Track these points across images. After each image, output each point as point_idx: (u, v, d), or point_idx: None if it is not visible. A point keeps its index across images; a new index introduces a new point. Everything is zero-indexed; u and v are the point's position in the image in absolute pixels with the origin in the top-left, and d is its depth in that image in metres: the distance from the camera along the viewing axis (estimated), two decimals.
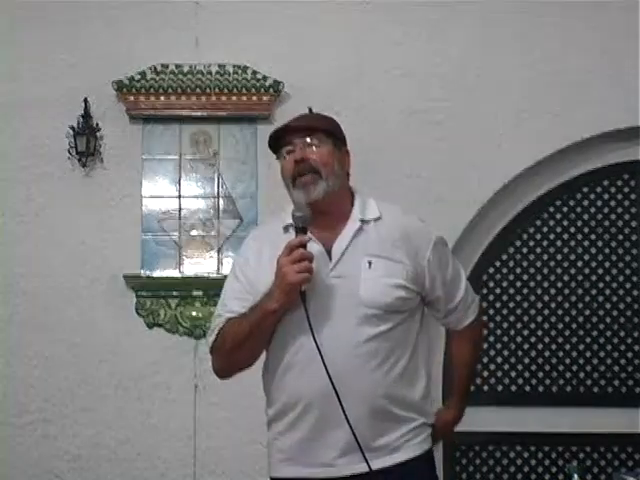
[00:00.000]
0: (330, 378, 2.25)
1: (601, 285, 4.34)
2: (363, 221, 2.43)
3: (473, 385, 4.28)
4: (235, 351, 2.37)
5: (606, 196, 4.37)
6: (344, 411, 2.26)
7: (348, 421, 2.27)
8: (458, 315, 2.58)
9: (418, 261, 2.42)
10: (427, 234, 2.48)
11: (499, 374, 4.31)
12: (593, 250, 4.35)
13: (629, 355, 4.33)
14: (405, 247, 2.41)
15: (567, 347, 4.32)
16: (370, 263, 2.36)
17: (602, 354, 4.32)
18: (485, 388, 4.31)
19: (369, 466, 2.29)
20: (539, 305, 4.33)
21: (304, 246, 2.29)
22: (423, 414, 2.43)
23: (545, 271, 4.34)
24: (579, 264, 4.34)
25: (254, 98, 4.12)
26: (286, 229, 2.44)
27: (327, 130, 2.45)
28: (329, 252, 2.39)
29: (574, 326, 4.33)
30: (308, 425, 2.34)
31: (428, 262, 2.44)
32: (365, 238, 2.41)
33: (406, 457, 2.36)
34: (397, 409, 2.36)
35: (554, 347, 4.32)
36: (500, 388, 4.32)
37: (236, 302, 2.41)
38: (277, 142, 2.46)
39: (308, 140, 2.41)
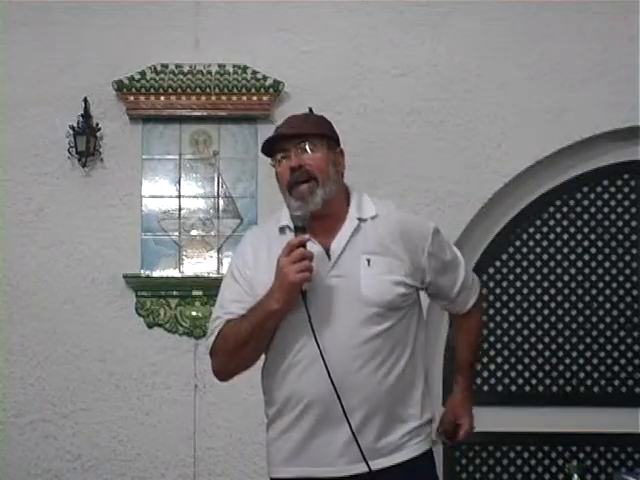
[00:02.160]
0: (331, 378, 2.25)
1: (601, 285, 4.34)
2: (360, 220, 2.43)
3: (473, 385, 4.28)
4: (236, 352, 2.37)
5: (606, 196, 4.37)
6: (344, 411, 2.26)
7: (348, 421, 2.27)
8: (462, 297, 2.57)
9: (418, 255, 2.42)
10: (425, 227, 2.48)
11: (499, 374, 4.31)
12: (593, 250, 4.35)
13: (629, 355, 4.33)
14: (403, 242, 2.41)
15: (567, 347, 4.32)
16: (369, 261, 2.36)
17: (602, 354, 4.32)
18: (485, 388, 4.31)
19: (369, 467, 2.29)
20: (539, 305, 4.33)
21: (304, 245, 2.29)
22: (424, 411, 2.43)
23: (545, 271, 4.34)
24: (579, 264, 4.34)
25: (254, 98, 4.12)
26: (282, 230, 2.44)
27: (320, 134, 2.44)
28: (327, 251, 2.39)
29: (574, 326, 4.33)
30: (309, 425, 2.34)
31: (429, 254, 2.44)
32: (363, 236, 2.40)
33: (406, 457, 2.37)
34: (399, 408, 2.37)
35: (554, 347, 4.32)
36: (500, 388, 4.32)
37: (235, 304, 2.40)
38: (270, 147, 2.45)
39: (302, 146, 2.40)
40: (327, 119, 2.52)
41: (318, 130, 2.44)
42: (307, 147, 2.40)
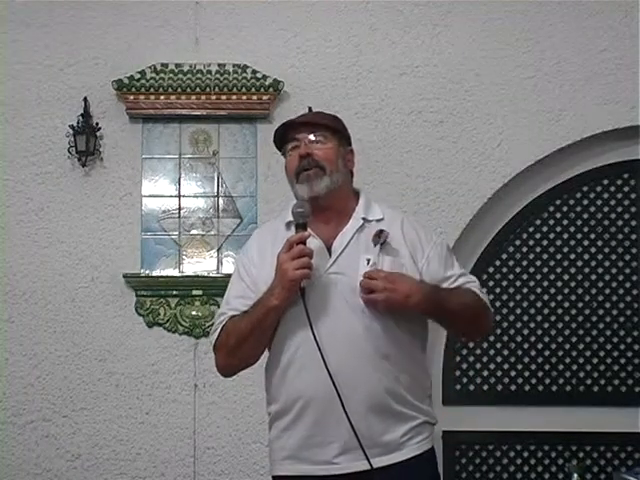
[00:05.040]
0: (330, 375, 2.26)
1: (601, 285, 4.34)
2: (365, 220, 2.44)
3: (473, 385, 4.29)
4: (238, 348, 2.39)
5: (606, 195, 4.37)
6: (344, 408, 2.27)
7: (348, 418, 2.27)
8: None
9: (417, 260, 2.43)
10: (430, 234, 2.51)
11: (499, 374, 4.31)
12: (593, 249, 4.35)
13: (629, 355, 4.33)
14: (407, 246, 2.43)
15: (567, 347, 4.32)
16: (369, 260, 2.37)
17: (602, 354, 4.32)
18: (485, 388, 4.31)
19: (370, 464, 2.29)
20: (539, 305, 4.33)
21: (304, 242, 2.30)
22: (424, 413, 2.43)
23: (545, 270, 4.33)
24: (579, 263, 4.34)
25: (254, 97, 4.12)
26: (288, 225, 2.46)
27: (332, 127, 2.47)
28: (329, 248, 2.40)
29: (574, 326, 4.32)
30: (309, 422, 2.34)
31: (427, 259, 2.44)
32: (366, 236, 2.42)
33: (407, 456, 2.37)
34: (398, 406, 2.37)
35: (554, 347, 4.31)
36: (500, 388, 4.31)
37: (239, 300, 2.42)
38: (282, 139, 2.48)
39: (312, 137, 2.43)
40: (340, 119, 2.55)
41: (330, 123, 2.48)
42: (318, 138, 2.43)
